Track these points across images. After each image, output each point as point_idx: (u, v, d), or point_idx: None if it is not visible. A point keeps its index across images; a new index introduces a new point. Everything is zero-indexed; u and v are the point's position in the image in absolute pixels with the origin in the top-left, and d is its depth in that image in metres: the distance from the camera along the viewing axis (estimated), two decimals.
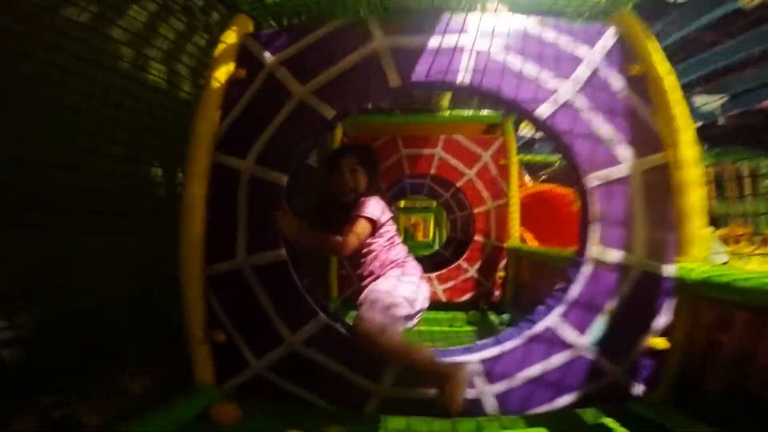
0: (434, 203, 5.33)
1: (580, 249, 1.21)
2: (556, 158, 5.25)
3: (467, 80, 1.17)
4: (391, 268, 1.36)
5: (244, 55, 1.26)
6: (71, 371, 1.07)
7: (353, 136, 3.22)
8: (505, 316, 2.63)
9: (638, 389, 1.16)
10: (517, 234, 2.86)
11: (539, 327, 1.17)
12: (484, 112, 2.98)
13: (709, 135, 8.28)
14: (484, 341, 1.23)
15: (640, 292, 1.17)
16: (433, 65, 1.18)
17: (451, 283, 2.93)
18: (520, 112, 1.23)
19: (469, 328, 2.56)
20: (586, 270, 1.19)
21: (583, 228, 1.19)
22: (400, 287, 1.27)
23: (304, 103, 1.22)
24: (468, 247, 2.99)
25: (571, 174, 1.24)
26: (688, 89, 7.83)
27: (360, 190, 1.40)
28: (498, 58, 1.18)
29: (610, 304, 1.18)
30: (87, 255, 1.15)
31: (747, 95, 7.91)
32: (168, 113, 1.46)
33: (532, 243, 3.16)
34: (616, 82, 1.17)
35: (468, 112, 2.98)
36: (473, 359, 1.15)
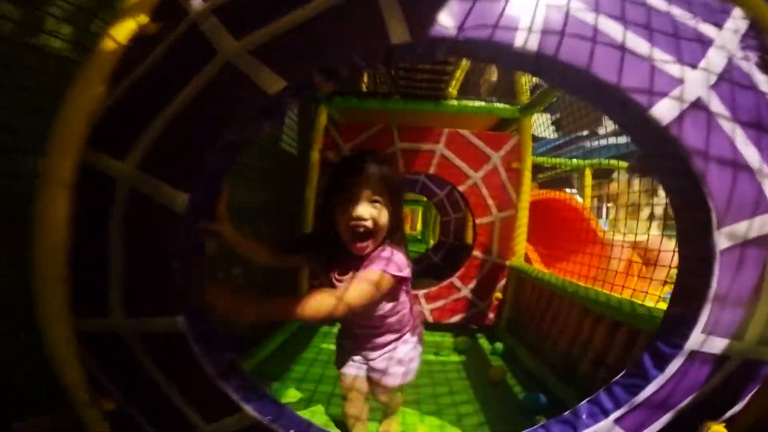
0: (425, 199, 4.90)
1: (669, 334, 0.78)
2: (557, 160, 4.80)
3: (532, 45, 0.69)
4: (407, 331, 1.13)
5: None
6: None
7: (341, 123, 2.72)
8: (498, 345, 2.24)
9: None
10: (522, 252, 2.44)
11: None
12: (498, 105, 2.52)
13: None
14: None
15: (729, 383, 0.79)
16: (473, 12, 0.70)
17: (440, 303, 2.51)
18: (619, 111, 0.76)
19: (456, 358, 2.17)
20: (675, 364, 0.77)
21: (682, 306, 0.76)
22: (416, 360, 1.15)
23: (232, 66, 0.72)
24: (459, 254, 2.58)
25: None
26: None
27: (378, 235, 0.98)
28: (583, 16, 0.70)
29: (688, 401, 0.79)
30: None
31: None
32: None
33: (537, 263, 2.75)
34: (762, 82, 0.72)
35: (479, 104, 2.51)
36: None
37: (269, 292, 2.21)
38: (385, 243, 0.99)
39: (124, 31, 0.70)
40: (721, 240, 0.69)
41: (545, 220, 3.43)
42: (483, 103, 2.52)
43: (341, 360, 1.19)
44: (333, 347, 1.29)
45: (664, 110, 0.69)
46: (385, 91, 2.74)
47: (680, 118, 0.68)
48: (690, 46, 0.71)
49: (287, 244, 1.11)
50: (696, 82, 0.68)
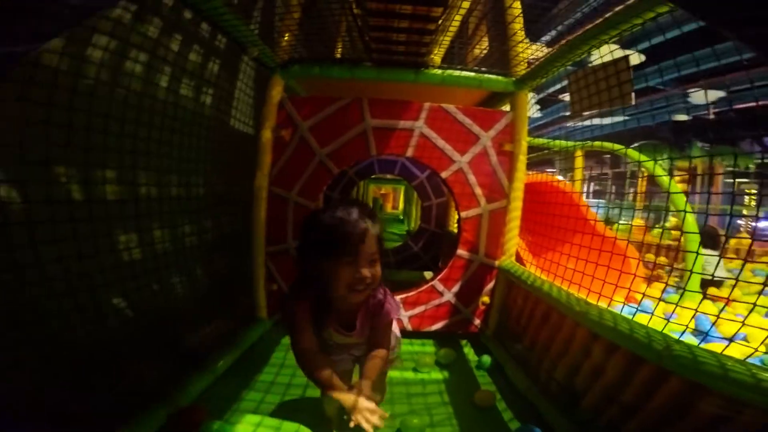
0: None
1: None
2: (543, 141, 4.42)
3: None
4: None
5: None
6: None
7: (298, 97, 2.27)
8: (486, 359, 1.93)
9: None
10: (513, 251, 2.10)
11: None
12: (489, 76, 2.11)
13: (697, 128, 8.05)
14: None
15: None
16: None
17: (420, 309, 2.17)
18: None
19: (438, 375, 1.86)
20: None
21: None
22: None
23: None
24: (441, 243, 2.24)
25: None
26: (685, 83, 7.42)
27: (375, 285, 1.07)
28: None
29: None
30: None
31: (741, 94, 7.63)
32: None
33: (522, 250, 2.41)
34: None
35: (467, 74, 2.10)
36: None
37: (224, 302, 1.98)
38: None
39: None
40: None
41: (532, 205, 3.10)
42: (472, 74, 2.11)
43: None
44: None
45: None
46: (354, 57, 2.29)
47: None
48: None
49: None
50: None
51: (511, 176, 2.07)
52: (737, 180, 8.13)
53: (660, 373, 1.04)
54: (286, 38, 2.16)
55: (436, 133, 2.05)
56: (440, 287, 2.16)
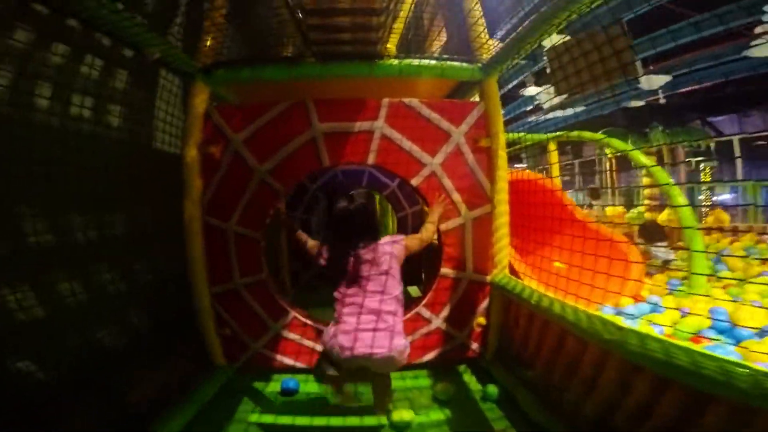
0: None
1: None
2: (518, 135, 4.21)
3: None
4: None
5: None
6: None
7: (227, 106, 1.90)
8: (491, 390, 1.60)
9: None
10: (506, 262, 1.78)
11: None
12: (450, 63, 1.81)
13: (651, 113, 8.25)
14: None
15: None
16: None
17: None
18: None
19: (439, 415, 1.53)
20: None
21: None
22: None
23: None
24: (420, 254, 1.93)
25: None
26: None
27: None
28: None
29: None
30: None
31: (689, 76, 7.88)
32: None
33: (522, 270, 2.10)
34: None
35: (426, 62, 1.79)
36: None
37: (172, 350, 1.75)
38: None
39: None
40: None
41: (514, 205, 2.83)
42: (433, 62, 1.81)
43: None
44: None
45: None
46: (293, 54, 1.94)
47: None
48: None
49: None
50: None
51: (492, 176, 1.76)
52: (696, 159, 8.40)
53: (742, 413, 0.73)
54: (205, 39, 1.80)
55: (399, 134, 1.72)
56: (426, 313, 1.80)
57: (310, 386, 1.71)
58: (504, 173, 1.75)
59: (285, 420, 1.50)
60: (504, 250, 1.76)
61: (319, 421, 1.49)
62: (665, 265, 3.10)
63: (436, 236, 1.72)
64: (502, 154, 1.76)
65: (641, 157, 2.72)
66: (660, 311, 2.14)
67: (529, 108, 7.43)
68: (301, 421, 1.49)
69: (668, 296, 2.35)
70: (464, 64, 1.84)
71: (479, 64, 1.84)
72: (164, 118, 1.77)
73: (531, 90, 6.49)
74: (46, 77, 1.18)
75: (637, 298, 2.36)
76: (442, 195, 1.72)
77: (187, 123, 1.71)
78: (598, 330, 1.09)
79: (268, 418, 1.51)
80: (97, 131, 1.41)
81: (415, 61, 1.78)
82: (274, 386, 1.74)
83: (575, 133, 3.29)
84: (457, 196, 1.74)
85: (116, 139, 1.51)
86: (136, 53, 1.47)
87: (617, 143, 2.86)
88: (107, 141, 1.46)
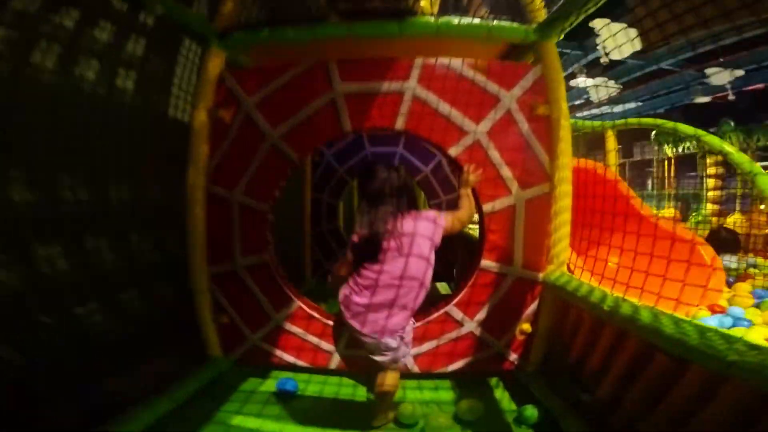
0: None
1: None
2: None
3: None
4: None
5: None
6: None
7: (244, 69, 1.70)
8: (530, 412, 1.28)
9: None
10: (566, 257, 1.44)
11: None
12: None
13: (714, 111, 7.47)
14: None
15: None
16: None
17: (429, 345, 1.51)
18: None
19: None
20: None
21: None
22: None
23: None
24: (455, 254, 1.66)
25: None
26: (703, 60, 6.87)
27: None
28: None
29: None
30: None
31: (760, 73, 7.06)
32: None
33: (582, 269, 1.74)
34: None
35: (469, 21, 1.50)
36: None
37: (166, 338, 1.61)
38: None
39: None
40: None
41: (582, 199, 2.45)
42: (477, 21, 1.51)
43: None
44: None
45: None
46: (315, 15, 1.71)
47: None
48: None
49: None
50: None
51: (552, 150, 1.43)
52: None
53: None
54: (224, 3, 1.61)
55: (436, 96, 1.43)
56: (458, 314, 1.49)
57: (310, 388, 1.49)
58: (567, 147, 1.42)
59: (271, 427, 1.26)
60: (564, 242, 1.42)
61: None
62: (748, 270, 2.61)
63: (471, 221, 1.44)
64: (565, 125, 1.43)
65: (744, 159, 2.24)
66: (744, 325, 1.72)
67: (576, 102, 6.90)
68: (290, 430, 1.25)
69: (752, 308, 1.92)
70: (515, 24, 1.53)
71: (533, 25, 1.53)
72: (176, 84, 1.60)
73: (580, 81, 5.98)
74: (94, 53, 1.19)
75: (714, 309, 1.96)
76: (473, 164, 1.44)
77: (199, 87, 1.53)
78: (721, 350, 0.74)
79: (253, 423, 1.28)
80: (100, 93, 1.28)
81: (455, 19, 1.50)
82: (269, 385, 1.52)
83: (635, 120, 2.85)
84: (506, 171, 1.43)
85: (123, 103, 1.38)
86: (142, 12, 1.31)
87: (714, 140, 2.38)
88: (114, 103, 1.34)
